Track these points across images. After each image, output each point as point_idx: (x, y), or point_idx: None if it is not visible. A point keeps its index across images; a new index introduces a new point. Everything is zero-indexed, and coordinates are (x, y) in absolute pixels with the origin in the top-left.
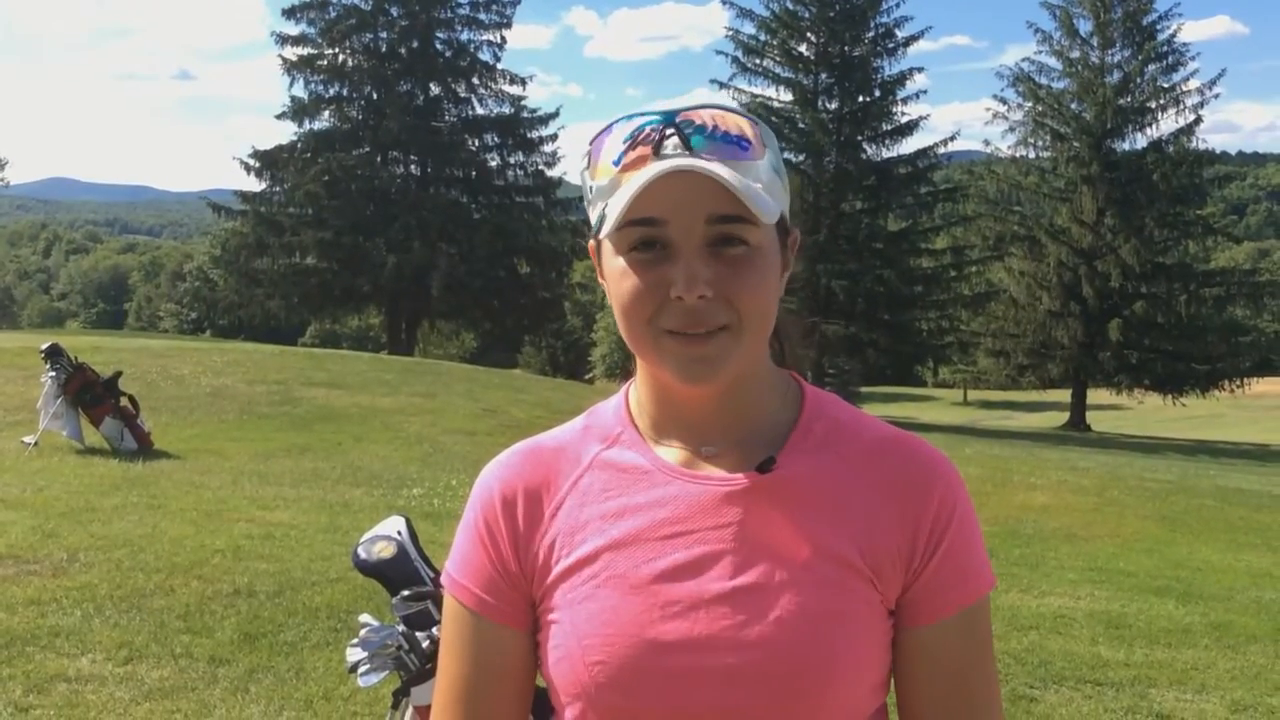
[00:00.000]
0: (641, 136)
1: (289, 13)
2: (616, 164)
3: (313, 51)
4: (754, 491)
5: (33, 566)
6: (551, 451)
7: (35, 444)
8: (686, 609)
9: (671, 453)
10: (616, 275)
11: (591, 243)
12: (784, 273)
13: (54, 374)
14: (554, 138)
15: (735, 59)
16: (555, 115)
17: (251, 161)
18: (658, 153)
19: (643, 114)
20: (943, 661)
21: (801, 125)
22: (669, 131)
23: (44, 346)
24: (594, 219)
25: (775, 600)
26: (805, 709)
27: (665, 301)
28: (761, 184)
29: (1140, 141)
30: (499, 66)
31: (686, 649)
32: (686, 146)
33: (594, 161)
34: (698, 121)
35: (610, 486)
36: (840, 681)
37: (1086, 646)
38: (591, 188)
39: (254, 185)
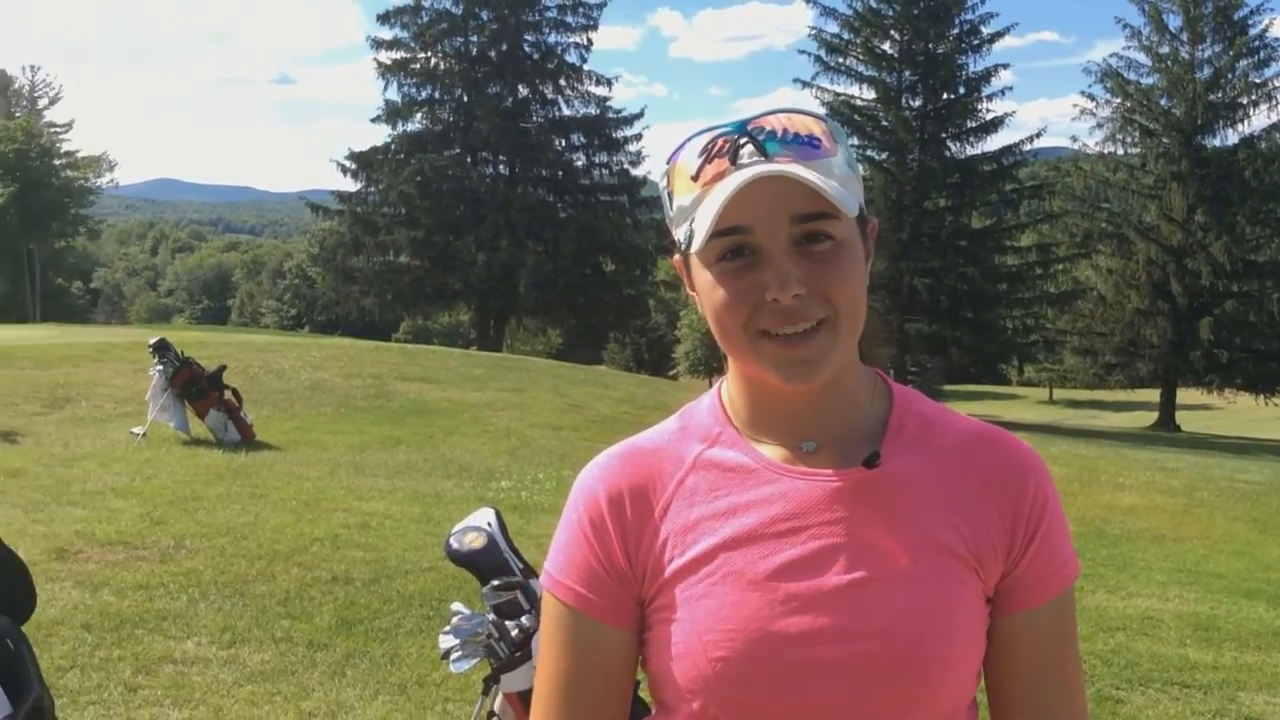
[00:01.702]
0: (716, 149)
1: (384, 18)
2: (695, 179)
3: (406, 55)
4: (861, 486)
5: (141, 552)
6: (651, 453)
7: (144, 435)
8: (806, 603)
9: (772, 450)
10: (708, 287)
11: (678, 257)
12: (867, 261)
13: (161, 368)
14: (638, 137)
15: (818, 58)
16: (640, 115)
17: (348, 163)
18: (735, 162)
19: (715, 127)
20: (1036, 645)
21: (884, 123)
22: (743, 140)
23: (152, 341)
24: (681, 236)
25: (891, 592)
26: (923, 697)
27: (759, 305)
28: (836, 179)
29: (1231, 137)
30: (585, 68)
31: (808, 642)
32: (762, 153)
33: (673, 180)
34: (769, 127)
35: (718, 485)
36: (955, 668)
37: (1174, 648)
38: (673, 206)
39: (350, 186)
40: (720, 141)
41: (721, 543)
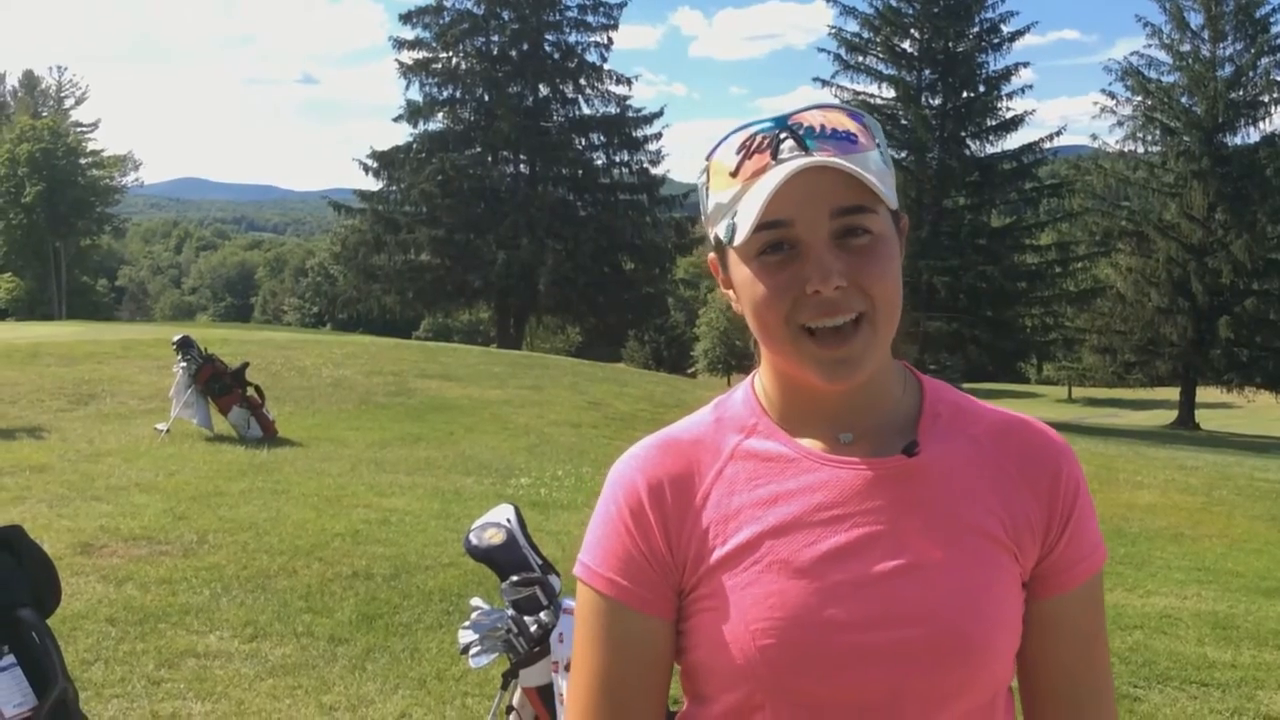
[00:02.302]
0: (755, 145)
1: (406, 18)
2: (734, 175)
3: (428, 55)
4: (901, 474)
5: (165, 547)
6: (688, 443)
7: (167, 431)
8: (852, 590)
9: (809, 441)
10: (747, 282)
11: (712, 256)
12: (900, 257)
13: (185, 364)
14: (658, 136)
15: (838, 56)
16: (660, 114)
17: (370, 162)
18: (776, 157)
19: (754, 123)
20: (1070, 629)
21: (904, 122)
22: (783, 135)
23: (176, 338)
24: (720, 232)
25: (935, 578)
26: (967, 681)
27: (800, 298)
28: (874, 175)
29: (1253, 135)
30: (605, 67)
31: (856, 628)
32: (802, 147)
33: (711, 177)
34: (808, 123)
35: (757, 475)
36: (997, 653)
37: (1193, 647)
38: (711, 203)
39: (372, 185)
40: (760, 138)
41: (766, 530)
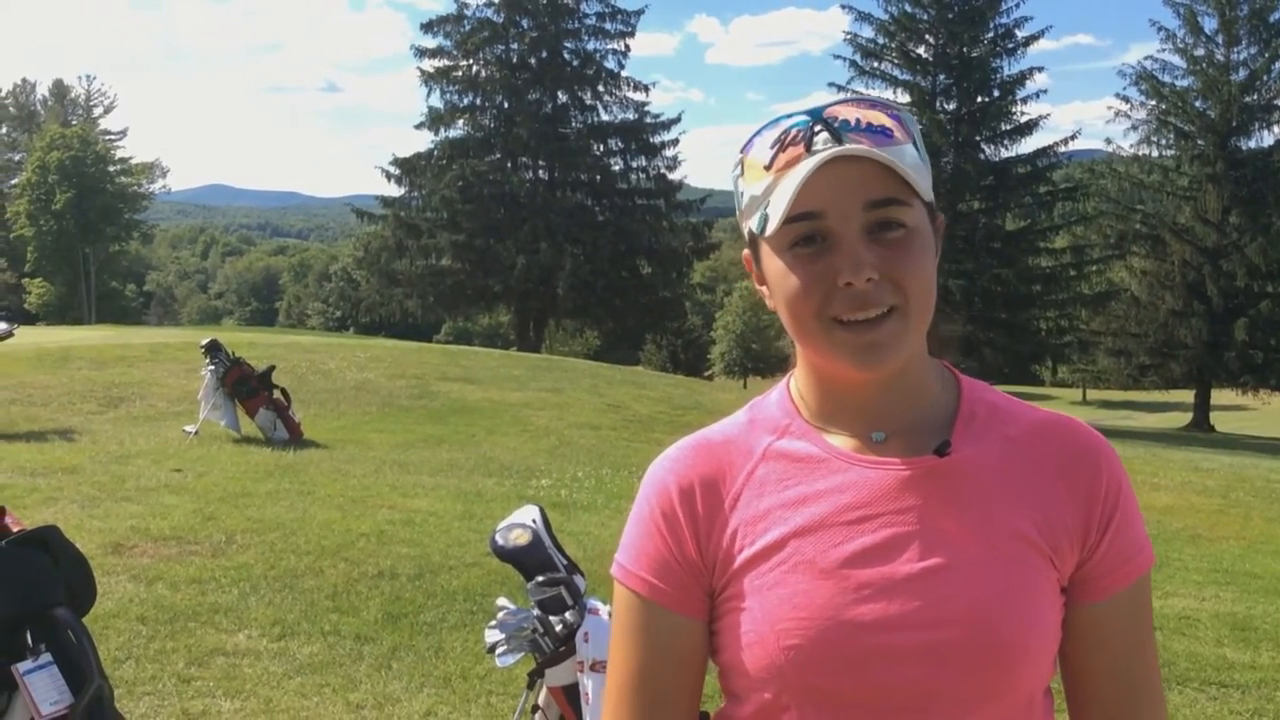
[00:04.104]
0: (790, 138)
1: (427, 27)
2: (769, 168)
3: (449, 63)
4: (932, 474)
5: (194, 547)
6: (721, 445)
7: (196, 433)
8: (879, 591)
9: (841, 440)
10: (779, 274)
11: (746, 252)
12: (935, 255)
13: (213, 368)
14: (675, 142)
15: (853, 62)
16: (677, 120)
17: (392, 169)
18: (810, 149)
19: (788, 116)
20: (1112, 636)
21: (919, 126)
22: (818, 128)
23: (204, 342)
24: (753, 224)
25: (966, 579)
26: (1000, 684)
27: (832, 291)
28: (908, 168)
29: (1267, 139)
30: (623, 74)
31: (882, 629)
32: (836, 140)
33: (745, 171)
34: (842, 116)
35: (787, 475)
36: (1030, 655)
37: (1212, 648)
38: (745, 195)
39: (394, 191)
40: (794, 131)
41: (792, 531)
